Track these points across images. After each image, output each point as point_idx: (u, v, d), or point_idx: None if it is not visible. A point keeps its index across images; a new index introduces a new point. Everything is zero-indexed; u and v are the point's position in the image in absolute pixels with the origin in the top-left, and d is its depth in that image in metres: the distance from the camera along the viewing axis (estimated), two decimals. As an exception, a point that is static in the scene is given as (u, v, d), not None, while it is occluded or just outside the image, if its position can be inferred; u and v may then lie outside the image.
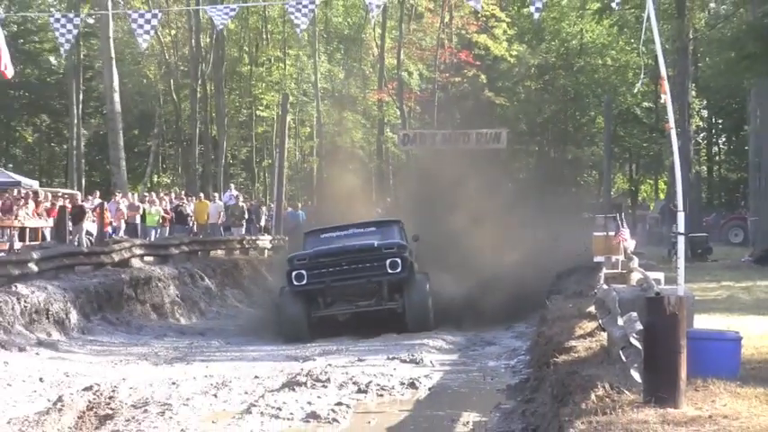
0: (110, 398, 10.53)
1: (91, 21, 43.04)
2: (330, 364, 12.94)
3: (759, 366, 8.42)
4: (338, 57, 49.96)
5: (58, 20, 13.98)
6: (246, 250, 28.49)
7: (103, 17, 29.90)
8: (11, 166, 45.90)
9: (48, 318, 15.81)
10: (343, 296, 17.62)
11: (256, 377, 12.21)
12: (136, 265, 21.21)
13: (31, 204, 23.60)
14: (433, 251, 19.96)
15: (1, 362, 12.95)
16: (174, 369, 13.40)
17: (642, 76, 20.46)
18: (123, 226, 26.10)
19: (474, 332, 17.21)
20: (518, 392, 10.78)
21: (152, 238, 25.63)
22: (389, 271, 17.20)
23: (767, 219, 26.17)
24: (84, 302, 17.26)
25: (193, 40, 43.70)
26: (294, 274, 17.30)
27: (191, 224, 29.12)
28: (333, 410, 9.86)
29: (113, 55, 30.14)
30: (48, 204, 24.82)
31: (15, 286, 15.64)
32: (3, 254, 19.04)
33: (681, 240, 9.43)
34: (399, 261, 17.23)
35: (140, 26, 13.58)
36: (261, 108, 47.33)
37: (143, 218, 27.05)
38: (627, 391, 7.16)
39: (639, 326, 7.25)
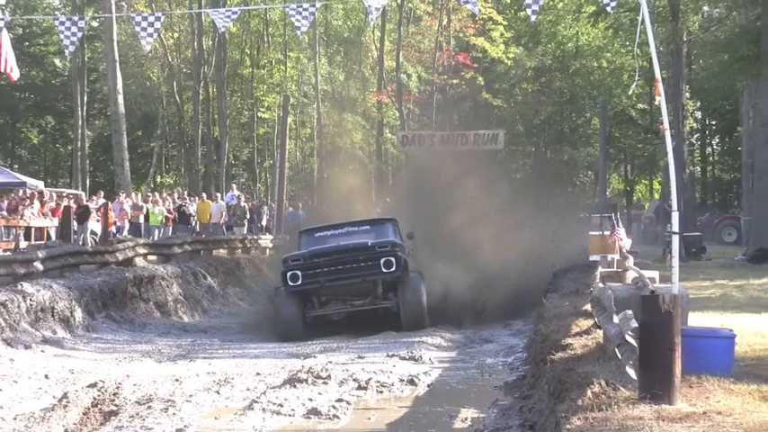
0: (114, 394, 10.52)
1: (95, 24, 43.22)
2: (331, 362, 12.98)
3: (752, 363, 8.47)
4: (338, 59, 50.09)
5: (62, 23, 14.04)
6: (248, 249, 28.62)
7: (107, 20, 29.95)
8: (16, 166, 46.19)
9: (53, 316, 15.85)
10: (338, 295, 17.58)
11: (258, 374, 12.22)
12: (139, 264, 21.29)
13: (37, 204, 23.67)
14: (431, 250, 20.02)
15: (7, 359, 13.02)
16: (178, 366, 13.42)
17: (637, 78, 20.59)
18: (127, 225, 26.21)
19: (472, 330, 17.26)
20: (515, 389, 10.77)
21: (155, 238, 25.73)
22: (384, 270, 17.11)
23: (760, 218, 26.24)
24: (89, 301, 17.29)
25: (196, 43, 43.78)
26: (289, 274, 17.25)
27: (193, 224, 29.22)
28: (333, 407, 9.86)
29: (117, 57, 30.24)
30: (53, 204, 24.89)
31: (21, 285, 15.68)
32: (9, 253, 19.05)
33: (675, 239, 9.41)
34: (393, 260, 17.14)
35: (143, 29, 13.60)
36: (262, 110, 47.42)
37: (146, 217, 27.18)
38: (622, 388, 7.22)
39: (635, 323, 7.28)
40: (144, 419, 9.34)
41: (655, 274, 11.61)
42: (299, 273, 17.23)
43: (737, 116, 44.88)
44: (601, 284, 11.90)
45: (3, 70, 15.58)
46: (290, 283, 17.25)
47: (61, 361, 13.59)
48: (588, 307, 11.73)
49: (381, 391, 11.04)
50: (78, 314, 16.62)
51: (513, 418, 9.20)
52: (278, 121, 41.99)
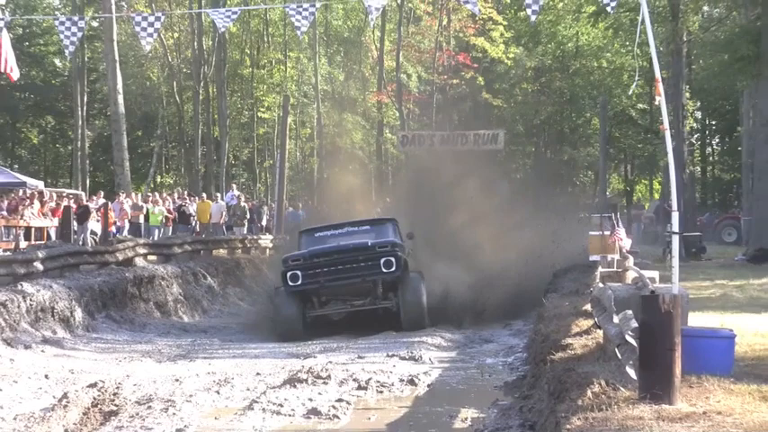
0: (114, 394, 10.54)
1: (95, 24, 43.25)
2: (331, 362, 13.01)
3: (752, 363, 8.48)
4: (338, 59, 50.14)
5: (62, 23, 14.05)
6: (248, 249, 28.66)
7: (107, 20, 29.99)
8: (16, 166, 46.28)
9: (53, 316, 15.88)
10: (338, 295, 17.60)
11: (258, 374, 12.25)
12: (139, 263, 21.32)
13: (37, 204, 23.69)
14: (431, 250, 20.02)
15: (7, 359, 13.05)
16: (178, 366, 13.45)
17: (637, 78, 20.61)
18: (127, 225, 26.24)
19: (472, 330, 17.29)
20: (515, 389, 10.79)
21: (155, 238, 25.76)
22: (384, 270, 17.12)
23: (760, 218, 26.27)
24: (89, 301, 17.32)
25: (196, 43, 43.83)
26: (289, 274, 17.27)
27: (193, 224, 29.26)
28: (333, 407, 9.89)
29: (117, 57, 30.27)
30: (53, 204, 24.92)
31: (21, 285, 15.71)
32: (9, 253, 19.08)
33: (675, 239, 9.42)
34: (393, 260, 17.16)
35: (143, 29, 13.62)
36: (262, 110, 47.48)
37: (146, 217, 27.21)
38: (622, 388, 7.23)
39: (635, 323, 7.29)
40: (144, 419, 9.35)
41: (655, 274, 11.62)
42: (298, 273, 17.25)
43: (737, 116, 44.92)
44: (601, 284, 11.92)
45: (3, 70, 15.60)
46: (290, 283, 17.27)
47: (61, 361, 13.62)
48: (588, 307, 11.75)
49: (381, 391, 11.06)
50: (78, 314, 16.65)
51: (513, 417, 9.21)
52: (278, 121, 42.02)
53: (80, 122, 44.04)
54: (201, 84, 43.67)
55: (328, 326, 17.55)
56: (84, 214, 23.44)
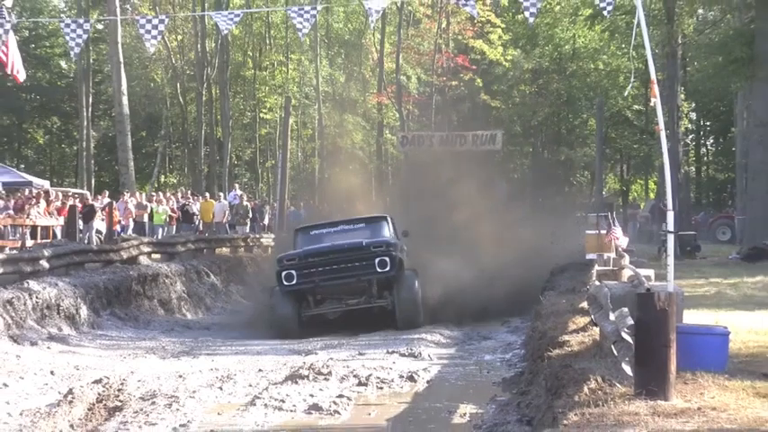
0: (119, 390, 10.59)
1: (100, 26, 43.31)
2: (331, 358, 13.07)
3: (746, 360, 8.53)
4: (339, 61, 50.24)
5: (68, 25, 14.20)
6: (250, 248, 28.82)
7: (112, 22, 30.05)
8: (23, 166, 46.35)
9: (59, 313, 15.97)
10: (333, 295, 17.57)
11: (260, 370, 12.32)
12: (144, 262, 21.42)
13: (43, 203, 23.68)
14: (430, 249, 20.09)
15: (13, 355, 13.09)
16: (181, 362, 13.54)
17: (633, 79, 20.66)
18: (132, 224, 26.27)
19: (471, 327, 17.33)
20: (513, 385, 10.82)
21: (159, 236, 25.81)
22: (378, 269, 17.09)
23: (754, 217, 26.35)
24: (94, 298, 17.43)
25: (199, 45, 43.89)
26: (284, 274, 17.21)
27: (197, 223, 29.32)
28: (334, 402, 9.94)
29: (122, 59, 30.38)
30: (58, 203, 24.93)
31: (27, 282, 15.81)
32: (15, 251, 19.09)
33: (670, 238, 9.48)
34: (388, 259, 17.13)
35: (148, 31, 13.75)
36: (264, 111, 47.64)
37: (151, 216, 27.25)
38: (618, 384, 7.25)
39: (630, 321, 7.36)
40: (148, 415, 9.42)
41: (650, 272, 11.70)
42: (293, 272, 17.21)
43: (731, 117, 44.96)
44: (597, 282, 12.01)
45: (9, 72, 15.69)
46: (286, 283, 17.23)
47: (67, 357, 13.68)
48: (585, 304, 11.80)
49: (381, 387, 11.11)
50: (83, 311, 16.75)
51: (511, 413, 9.25)
52: (280, 121, 42.18)
53: (85, 123, 44.11)
54: (205, 85, 43.80)
55: (325, 324, 17.52)
56: (89, 213, 23.50)
